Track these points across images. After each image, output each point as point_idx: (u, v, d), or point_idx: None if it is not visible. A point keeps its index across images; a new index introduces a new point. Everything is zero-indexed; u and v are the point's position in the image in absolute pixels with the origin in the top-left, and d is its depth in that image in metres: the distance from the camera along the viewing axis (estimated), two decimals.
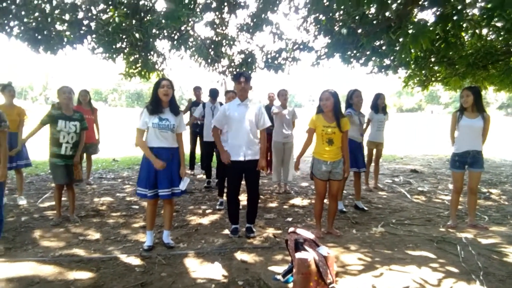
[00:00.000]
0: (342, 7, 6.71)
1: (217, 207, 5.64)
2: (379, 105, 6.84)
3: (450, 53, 7.66)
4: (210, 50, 8.81)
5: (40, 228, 4.57)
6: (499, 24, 6.75)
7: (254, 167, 4.36)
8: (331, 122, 4.28)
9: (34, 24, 6.93)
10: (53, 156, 4.71)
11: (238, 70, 9.06)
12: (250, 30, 8.80)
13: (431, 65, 8.70)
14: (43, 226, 4.65)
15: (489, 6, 6.48)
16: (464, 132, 4.60)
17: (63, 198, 4.97)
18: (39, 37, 7.02)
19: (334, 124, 4.27)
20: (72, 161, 4.76)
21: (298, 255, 2.87)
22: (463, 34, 7.34)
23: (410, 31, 6.33)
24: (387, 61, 8.53)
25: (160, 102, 3.86)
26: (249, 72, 8.77)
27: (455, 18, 6.07)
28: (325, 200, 4.54)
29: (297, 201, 6.20)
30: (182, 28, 8.19)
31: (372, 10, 7.27)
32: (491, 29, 7.21)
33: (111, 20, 7.34)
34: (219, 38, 8.93)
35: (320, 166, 4.31)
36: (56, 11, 7.09)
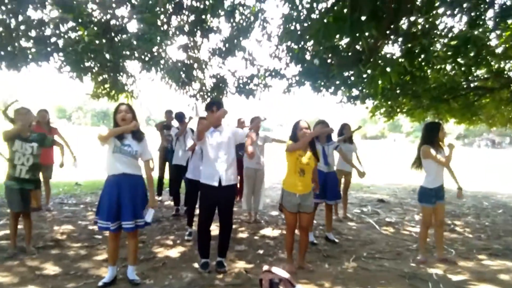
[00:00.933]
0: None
1: (186, 237, 5.43)
2: (345, 135, 6.91)
3: (415, 86, 7.96)
4: (181, 73, 8.71)
5: None
6: (461, 61, 7.09)
7: (230, 194, 4.26)
8: (305, 152, 4.26)
9: None
10: (8, 179, 4.41)
11: (209, 94, 9.01)
12: (222, 55, 8.81)
13: (397, 97, 8.98)
14: None
15: (453, 43, 6.81)
16: (439, 166, 4.61)
17: (19, 227, 4.63)
18: (2, 53, 6.70)
19: (309, 155, 4.26)
20: (29, 185, 4.44)
21: None
22: (427, 68, 7.65)
23: (379, 64, 6.53)
24: (355, 92, 8.75)
25: None
26: (221, 97, 8.74)
27: (422, 55, 6.32)
28: (296, 231, 4.47)
29: (268, 231, 6.08)
30: (154, 49, 8.07)
31: (343, 42, 7.48)
32: (453, 65, 7.56)
33: (80, 39, 7.12)
34: (191, 61, 8.87)
35: (290, 198, 4.25)
36: (22, 27, 6.81)
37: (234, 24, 8.30)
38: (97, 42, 7.27)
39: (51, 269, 4.07)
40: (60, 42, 7.21)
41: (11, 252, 4.41)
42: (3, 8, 6.35)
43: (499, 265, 4.70)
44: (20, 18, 6.68)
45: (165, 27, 7.91)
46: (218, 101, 4.47)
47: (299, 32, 7.31)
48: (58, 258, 4.41)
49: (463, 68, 7.28)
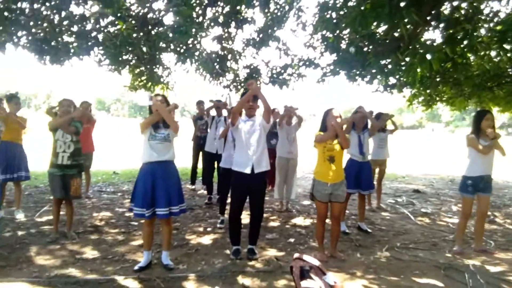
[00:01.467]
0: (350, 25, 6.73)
1: (218, 225, 5.53)
2: (381, 124, 6.76)
3: (456, 73, 7.64)
4: (215, 64, 8.80)
5: (36, 244, 4.47)
6: (507, 46, 6.73)
7: (261, 181, 4.28)
8: (333, 140, 4.22)
9: (41, 34, 6.92)
10: (51, 166, 4.65)
11: (243, 84, 9.05)
12: (256, 45, 8.82)
13: (436, 85, 8.65)
14: (40, 242, 4.55)
15: (499, 28, 6.48)
16: (480, 156, 4.44)
17: (61, 213, 4.88)
18: (46, 47, 7.01)
19: (336, 142, 4.21)
20: (70, 170, 4.63)
21: (304, 284, 2.77)
22: (470, 55, 7.32)
23: (418, 52, 6.31)
24: (392, 80, 8.50)
25: None
26: None
27: (465, 41, 6.04)
28: (328, 221, 4.45)
29: (299, 220, 6.08)
30: (189, 41, 8.19)
31: (381, 29, 7.27)
32: (498, 51, 7.20)
33: (119, 33, 7.34)
34: (225, 52, 8.93)
35: (320, 188, 4.23)
36: (65, 22, 7.09)
37: (268, 14, 8.28)
38: (134, 35, 7.48)
39: (90, 253, 4.27)
40: (100, 36, 7.46)
41: (53, 237, 4.66)
42: (47, 4, 6.62)
43: None
44: (63, 13, 6.95)
45: (200, 19, 8.00)
46: None
47: (334, 21, 7.18)
48: (97, 243, 4.62)
49: (508, 54, 6.92)
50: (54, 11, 6.85)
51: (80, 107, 6.75)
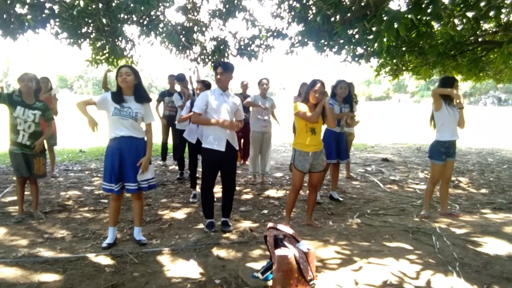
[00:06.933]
0: None
1: (191, 199, 5.49)
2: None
3: (421, 42, 7.75)
4: (181, 36, 8.52)
5: (0, 225, 4.28)
6: (469, 14, 6.85)
7: (233, 157, 4.25)
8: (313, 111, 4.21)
9: None
10: (11, 144, 4.42)
11: (210, 57, 8.84)
12: (223, 16, 8.58)
13: (402, 54, 8.78)
14: (4, 223, 4.36)
15: None
16: (449, 121, 4.57)
17: (26, 193, 4.69)
18: None
19: None
20: (30, 150, 4.42)
21: (278, 251, 2.78)
22: (434, 23, 7.42)
23: (384, 20, 6.33)
24: (360, 50, 8.53)
25: (121, 91, 3.64)
26: (222, 59, 8.57)
27: (429, 8, 6.09)
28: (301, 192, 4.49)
29: (272, 192, 6.12)
30: (152, 13, 7.85)
31: None
32: (461, 18, 7.33)
33: (76, 3, 6.92)
34: (191, 24, 8.65)
35: (302, 158, 4.23)
36: None
37: None
38: (93, 6, 7.07)
39: (59, 232, 4.14)
40: (56, 8, 7.01)
41: (19, 217, 4.48)
42: None
43: (503, 218, 4.72)
44: None
45: None
46: (228, 63, 4.32)
47: None
48: (66, 222, 4.49)
49: (471, 22, 7.04)
50: None
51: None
